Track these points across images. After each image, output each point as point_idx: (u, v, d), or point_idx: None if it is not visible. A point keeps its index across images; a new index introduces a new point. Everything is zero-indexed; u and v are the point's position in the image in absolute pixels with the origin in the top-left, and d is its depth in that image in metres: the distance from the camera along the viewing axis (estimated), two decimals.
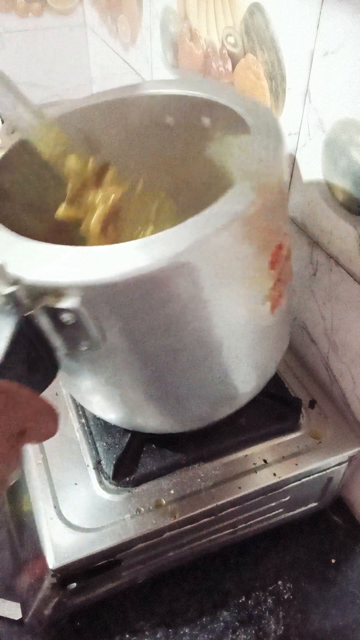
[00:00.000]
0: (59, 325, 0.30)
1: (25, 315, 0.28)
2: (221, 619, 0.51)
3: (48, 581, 0.43)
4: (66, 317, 0.30)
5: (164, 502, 0.46)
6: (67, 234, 0.40)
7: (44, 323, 0.30)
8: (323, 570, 0.55)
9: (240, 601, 0.53)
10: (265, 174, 0.34)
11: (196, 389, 0.42)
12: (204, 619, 0.51)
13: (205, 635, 0.50)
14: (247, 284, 0.36)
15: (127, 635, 0.50)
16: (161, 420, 0.45)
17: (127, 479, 0.46)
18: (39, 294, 0.29)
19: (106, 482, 0.47)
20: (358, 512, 0.59)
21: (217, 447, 0.49)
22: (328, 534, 0.58)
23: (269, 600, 0.53)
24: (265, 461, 0.49)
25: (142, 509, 0.45)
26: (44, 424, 0.26)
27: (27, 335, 0.28)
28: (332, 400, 0.55)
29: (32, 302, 0.29)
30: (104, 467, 0.47)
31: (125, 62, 0.96)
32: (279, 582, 0.54)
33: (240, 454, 0.50)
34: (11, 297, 0.28)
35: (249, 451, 0.50)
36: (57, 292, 0.29)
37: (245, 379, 0.45)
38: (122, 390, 0.41)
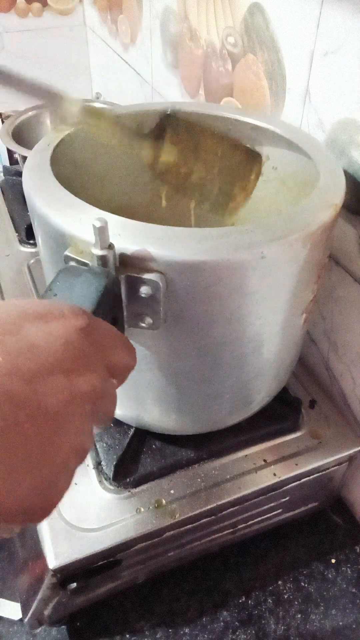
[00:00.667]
0: (134, 297, 0.33)
1: (112, 278, 0.30)
2: (221, 619, 0.51)
3: (48, 581, 0.43)
4: (144, 290, 0.32)
5: (164, 502, 0.46)
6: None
7: (123, 291, 0.32)
8: (323, 570, 0.55)
9: (240, 601, 0.53)
10: (330, 193, 0.37)
11: (224, 388, 0.43)
12: (204, 619, 0.51)
13: (205, 635, 0.50)
14: (298, 293, 0.38)
15: (127, 635, 0.50)
16: (176, 418, 0.45)
17: (128, 479, 0.46)
18: (127, 262, 0.32)
19: (106, 482, 0.47)
20: (358, 512, 0.59)
21: (217, 447, 0.49)
22: (328, 534, 0.58)
23: (269, 600, 0.53)
24: (265, 461, 0.49)
25: (142, 509, 0.45)
26: (124, 356, 0.27)
27: (110, 298, 0.30)
28: (332, 400, 0.55)
29: (119, 268, 0.31)
30: (104, 468, 0.47)
31: (125, 62, 0.96)
32: (279, 582, 0.54)
33: (240, 454, 0.50)
34: (103, 259, 0.30)
35: (249, 451, 0.50)
36: (144, 264, 0.32)
37: (266, 385, 0.46)
38: (153, 379, 0.41)
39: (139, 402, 0.44)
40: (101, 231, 0.29)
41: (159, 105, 0.48)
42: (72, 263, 0.32)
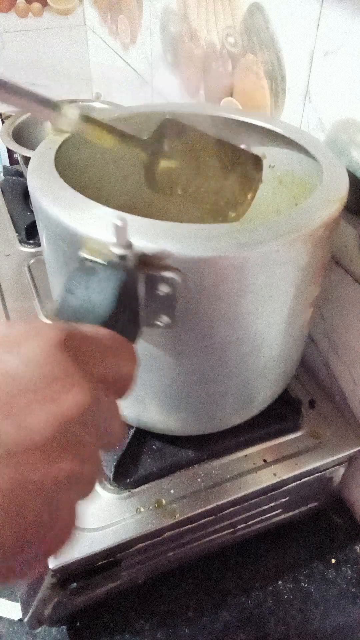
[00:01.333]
0: (152, 295, 0.32)
1: (131, 272, 0.30)
2: (221, 619, 0.51)
3: (48, 581, 0.43)
4: (163, 288, 0.32)
5: (164, 502, 0.46)
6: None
7: (141, 290, 0.32)
8: (323, 570, 0.55)
9: (240, 601, 0.53)
10: (335, 188, 0.38)
11: (229, 388, 0.43)
12: (204, 619, 0.51)
13: (205, 635, 0.50)
14: (306, 287, 0.38)
15: (127, 635, 0.50)
16: (179, 419, 0.45)
17: (127, 479, 0.46)
18: (145, 261, 0.31)
19: (106, 482, 0.47)
20: (358, 512, 0.59)
21: (217, 447, 0.49)
22: (328, 534, 0.58)
23: (269, 600, 0.53)
24: (265, 461, 0.49)
25: (142, 509, 0.45)
26: (123, 364, 0.25)
27: (129, 295, 0.30)
28: (332, 400, 0.55)
29: (138, 267, 0.31)
30: (103, 468, 0.47)
31: (125, 62, 0.96)
32: (279, 582, 0.54)
33: (240, 454, 0.50)
34: (123, 258, 0.29)
35: (249, 451, 0.50)
36: (162, 262, 0.31)
37: (269, 384, 0.46)
38: (157, 379, 0.41)
39: (140, 402, 0.44)
40: (121, 230, 0.28)
41: (158, 107, 0.48)
42: (88, 262, 0.31)
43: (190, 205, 0.51)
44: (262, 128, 0.46)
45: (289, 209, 0.36)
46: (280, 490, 0.49)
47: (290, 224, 0.34)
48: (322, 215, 0.35)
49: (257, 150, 0.48)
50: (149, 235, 0.31)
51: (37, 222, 0.38)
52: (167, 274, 0.31)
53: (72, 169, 0.45)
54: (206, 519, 0.47)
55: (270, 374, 0.44)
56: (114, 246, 0.29)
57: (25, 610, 0.47)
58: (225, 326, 0.36)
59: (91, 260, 0.31)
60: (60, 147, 0.42)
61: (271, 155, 0.47)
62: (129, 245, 0.29)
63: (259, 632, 0.50)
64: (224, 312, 0.35)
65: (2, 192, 0.88)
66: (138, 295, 0.32)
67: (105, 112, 0.48)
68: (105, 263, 0.30)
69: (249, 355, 0.40)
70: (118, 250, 0.29)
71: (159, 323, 0.34)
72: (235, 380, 0.42)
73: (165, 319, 0.34)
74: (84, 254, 0.31)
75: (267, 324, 0.38)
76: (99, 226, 0.32)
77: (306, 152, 0.42)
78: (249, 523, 0.52)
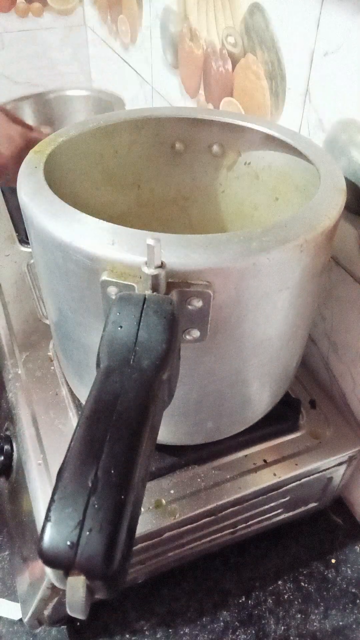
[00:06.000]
0: (183, 312, 0.31)
1: (175, 303, 0.28)
2: (221, 619, 0.51)
3: (48, 581, 0.43)
4: (195, 303, 0.30)
5: (164, 502, 0.46)
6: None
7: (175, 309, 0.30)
8: (323, 570, 0.55)
9: (240, 601, 0.53)
10: (335, 177, 0.38)
11: (242, 395, 0.42)
12: (204, 619, 0.51)
13: (205, 635, 0.50)
14: (319, 282, 0.38)
15: (127, 635, 0.50)
16: (182, 431, 0.45)
17: None
18: (175, 277, 0.30)
19: None
20: (358, 512, 0.59)
21: (217, 447, 0.49)
22: (328, 534, 0.58)
23: (269, 600, 0.53)
24: (265, 461, 0.49)
25: (142, 509, 0.45)
26: None
27: (176, 323, 0.28)
28: (332, 400, 0.55)
29: (169, 285, 0.29)
30: None
31: (125, 62, 0.96)
32: (279, 582, 0.54)
33: (240, 454, 0.50)
34: (155, 278, 0.28)
35: (249, 451, 0.50)
36: (192, 276, 0.30)
37: (277, 388, 0.46)
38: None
39: None
40: (154, 250, 0.27)
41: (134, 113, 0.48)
42: (112, 287, 0.30)
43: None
44: (240, 126, 0.46)
45: (306, 204, 0.35)
46: (280, 490, 0.49)
47: (312, 220, 0.33)
48: (338, 205, 0.35)
49: (233, 149, 0.48)
50: (178, 251, 0.30)
51: (38, 253, 0.37)
52: (199, 288, 0.30)
53: (66, 174, 0.45)
54: (206, 519, 0.47)
55: (280, 378, 0.44)
56: (147, 267, 0.28)
57: (25, 610, 0.47)
58: (251, 333, 0.36)
59: (116, 284, 0.29)
60: (53, 154, 0.41)
61: (246, 152, 0.47)
62: (161, 265, 0.28)
63: (259, 632, 0.50)
64: (254, 319, 0.35)
65: (2, 192, 0.88)
66: (179, 319, 0.30)
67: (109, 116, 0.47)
68: (133, 285, 0.29)
69: (269, 360, 0.40)
70: (151, 271, 0.27)
71: (189, 338, 0.33)
72: (249, 387, 0.42)
73: (195, 333, 0.33)
74: (106, 278, 0.30)
75: (290, 326, 0.38)
76: (124, 249, 0.30)
77: (301, 154, 0.42)
78: (249, 523, 0.52)
